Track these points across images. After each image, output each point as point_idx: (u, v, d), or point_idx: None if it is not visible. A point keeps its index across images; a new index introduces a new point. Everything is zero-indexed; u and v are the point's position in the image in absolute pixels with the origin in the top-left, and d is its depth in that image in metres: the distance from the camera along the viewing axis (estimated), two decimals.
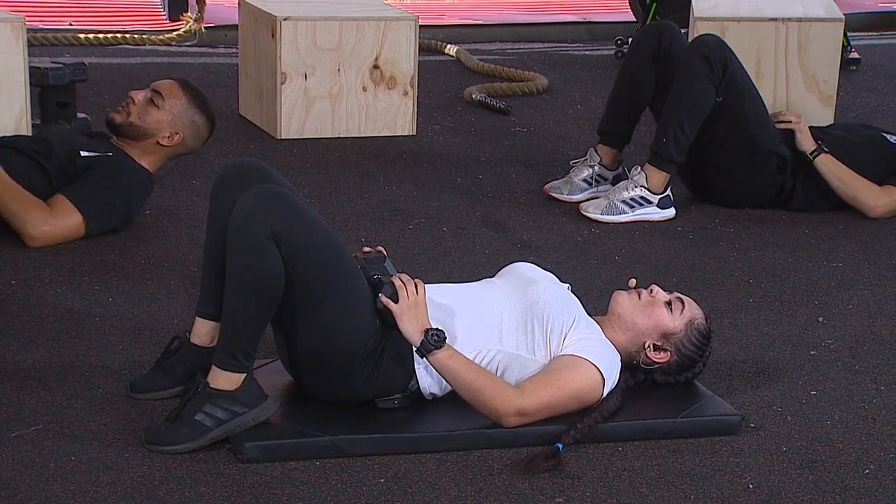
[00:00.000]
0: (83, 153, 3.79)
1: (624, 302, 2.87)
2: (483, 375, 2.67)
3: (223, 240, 2.64)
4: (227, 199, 2.71)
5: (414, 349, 2.68)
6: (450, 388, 2.72)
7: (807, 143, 4.37)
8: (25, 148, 3.78)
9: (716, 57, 4.16)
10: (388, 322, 2.68)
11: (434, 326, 2.67)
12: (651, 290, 2.88)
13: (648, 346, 2.85)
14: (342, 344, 2.65)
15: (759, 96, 4.35)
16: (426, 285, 2.75)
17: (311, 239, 2.61)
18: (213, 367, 2.62)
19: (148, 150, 3.85)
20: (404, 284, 2.69)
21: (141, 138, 3.84)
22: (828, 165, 4.35)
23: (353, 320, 2.66)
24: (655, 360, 2.85)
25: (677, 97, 4.18)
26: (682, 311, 2.86)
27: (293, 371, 2.76)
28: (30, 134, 4.10)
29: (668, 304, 2.86)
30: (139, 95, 3.85)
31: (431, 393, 2.75)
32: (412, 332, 2.66)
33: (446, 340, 2.66)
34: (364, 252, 2.80)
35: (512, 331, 2.76)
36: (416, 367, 2.72)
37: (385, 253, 2.81)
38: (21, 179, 3.69)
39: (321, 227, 2.66)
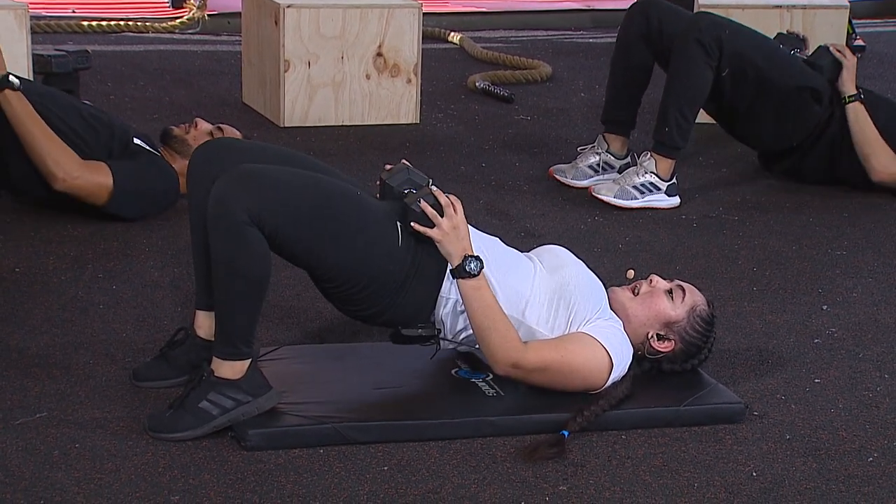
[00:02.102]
0: (136, 140, 3.85)
1: (619, 298, 2.86)
2: (499, 319, 2.67)
3: (206, 231, 2.61)
4: (202, 187, 2.66)
5: (449, 268, 2.67)
6: (458, 328, 2.73)
7: (848, 85, 4.38)
8: (84, 110, 3.84)
9: (708, 38, 4.15)
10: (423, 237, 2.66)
11: (475, 254, 2.66)
12: (651, 281, 2.87)
13: (652, 337, 2.84)
14: (360, 274, 2.63)
15: (766, 41, 4.34)
16: (481, 233, 2.78)
17: (293, 204, 2.56)
18: (215, 359, 2.62)
19: (182, 172, 3.87)
20: (446, 206, 2.65)
21: (186, 157, 3.87)
22: (857, 115, 4.36)
23: (368, 250, 2.63)
24: (660, 349, 2.85)
25: (675, 84, 4.18)
26: (684, 298, 2.85)
27: (320, 291, 2.74)
28: None
29: (669, 292, 2.85)
30: (204, 124, 3.93)
31: (442, 321, 2.73)
32: (453, 253, 2.66)
33: (483, 271, 2.65)
34: (387, 169, 2.77)
35: (537, 306, 2.76)
36: (439, 294, 2.70)
37: (408, 163, 2.79)
38: (69, 131, 3.72)
39: (301, 185, 2.60)
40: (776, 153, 4.54)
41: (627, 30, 4.38)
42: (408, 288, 2.67)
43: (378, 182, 2.75)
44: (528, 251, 3.00)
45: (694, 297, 2.87)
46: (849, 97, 4.36)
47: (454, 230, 2.66)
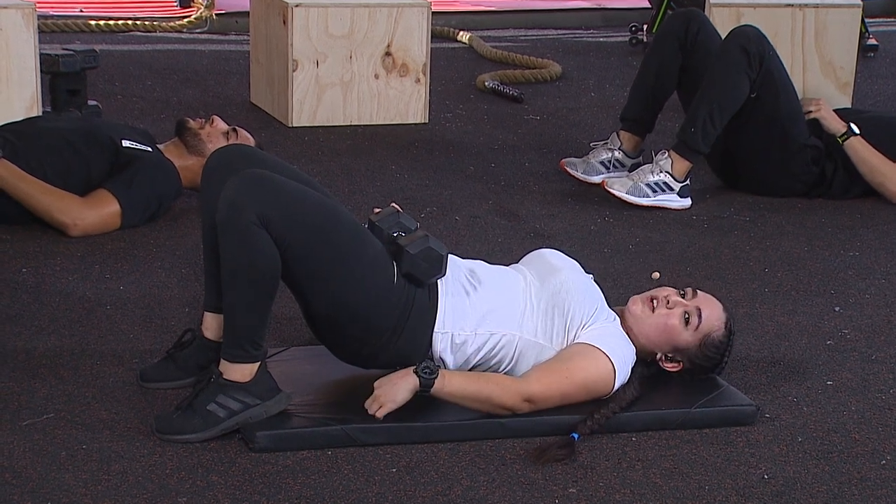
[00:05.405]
0: (125, 143, 3.82)
1: (637, 312, 2.81)
2: (484, 381, 2.65)
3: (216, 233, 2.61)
4: (216, 189, 2.65)
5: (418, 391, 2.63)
6: (461, 362, 2.71)
7: (834, 127, 4.30)
8: (67, 131, 3.80)
9: (755, 50, 4.10)
10: (417, 282, 2.66)
11: (413, 368, 2.61)
12: (668, 301, 2.80)
13: (661, 357, 2.83)
14: (357, 306, 2.63)
15: (794, 91, 4.27)
16: (463, 259, 2.77)
17: (301, 216, 2.56)
18: (223, 361, 2.60)
19: (187, 167, 3.87)
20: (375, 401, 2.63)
21: (194, 152, 3.88)
22: (857, 149, 4.28)
23: (364, 282, 2.63)
24: (667, 368, 2.83)
25: (711, 87, 4.12)
26: (699, 326, 2.78)
27: (315, 333, 2.74)
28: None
29: (686, 317, 2.78)
30: (220, 123, 3.92)
31: (441, 358, 2.72)
32: (405, 389, 2.60)
33: (438, 370, 2.62)
34: (375, 213, 2.77)
35: (532, 318, 2.74)
36: (433, 332, 2.69)
37: (398, 207, 2.78)
38: (58, 164, 3.71)
39: (311, 201, 2.60)
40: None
41: (667, 34, 4.35)
42: (403, 326, 2.66)
43: (366, 224, 2.75)
44: (549, 247, 2.99)
45: (711, 322, 2.79)
46: (841, 137, 4.27)
47: (382, 395, 2.61)
